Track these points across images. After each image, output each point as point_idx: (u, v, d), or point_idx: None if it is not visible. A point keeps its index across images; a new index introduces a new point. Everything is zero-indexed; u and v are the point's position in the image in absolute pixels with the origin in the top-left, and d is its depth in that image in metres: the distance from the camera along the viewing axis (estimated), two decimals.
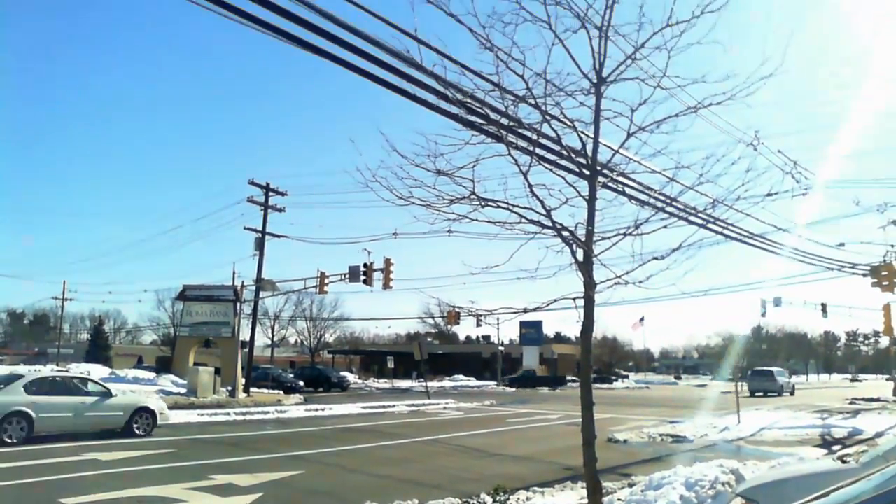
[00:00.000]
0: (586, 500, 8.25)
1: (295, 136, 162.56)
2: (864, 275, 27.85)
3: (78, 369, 29.61)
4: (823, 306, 47.95)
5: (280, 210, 39.12)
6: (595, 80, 7.35)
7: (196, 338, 42.22)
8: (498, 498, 6.55)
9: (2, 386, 16.28)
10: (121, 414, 18.02)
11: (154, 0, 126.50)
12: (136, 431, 18.11)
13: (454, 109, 7.56)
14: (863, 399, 43.15)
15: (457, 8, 6.82)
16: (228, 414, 26.07)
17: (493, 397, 45.08)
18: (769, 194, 9.01)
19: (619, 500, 9.70)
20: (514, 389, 59.56)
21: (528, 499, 6.82)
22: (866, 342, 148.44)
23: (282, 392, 40.66)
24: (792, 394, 50.67)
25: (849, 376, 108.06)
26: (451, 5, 6.81)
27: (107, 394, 18.08)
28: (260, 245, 37.68)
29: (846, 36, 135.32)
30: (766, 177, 9.10)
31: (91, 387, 18.35)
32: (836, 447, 17.60)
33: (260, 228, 38.00)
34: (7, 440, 15.55)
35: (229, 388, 34.36)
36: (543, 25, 7.07)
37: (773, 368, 55.71)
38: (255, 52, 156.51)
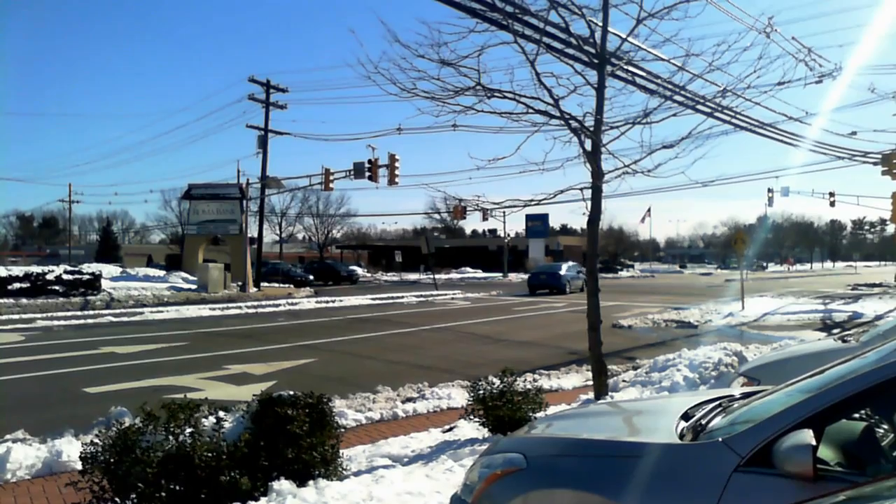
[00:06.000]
0: (591, 382, 8.56)
1: (293, 30, 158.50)
2: (875, 163, 27.71)
3: (90, 269, 29.95)
4: (831, 195, 47.85)
5: (281, 107, 38.74)
6: None
7: (204, 236, 42.54)
8: (505, 380, 6.82)
9: None
10: None
11: None
12: None
13: None
14: (864, 285, 43.69)
15: None
16: (240, 308, 26.65)
17: (500, 288, 45.81)
18: (781, 83, 8.92)
19: (623, 381, 10.06)
20: (521, 280, 59.99)
21: (535, 380, 7.10)
22: (872, 230, 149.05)
23: (292, 286, 41.28)
24: (582, 290, 33.74)
25: (853, 264, 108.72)
26: None
27: None
28: (263, 143, 37.51)
29: None
30: (779, 64, 8.99)
31: None
32: (836, 330, 18.01)
33: (262, 126, 37.74)
34: None
35: (240, 283, 34.96)
36: None
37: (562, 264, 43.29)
38: None
